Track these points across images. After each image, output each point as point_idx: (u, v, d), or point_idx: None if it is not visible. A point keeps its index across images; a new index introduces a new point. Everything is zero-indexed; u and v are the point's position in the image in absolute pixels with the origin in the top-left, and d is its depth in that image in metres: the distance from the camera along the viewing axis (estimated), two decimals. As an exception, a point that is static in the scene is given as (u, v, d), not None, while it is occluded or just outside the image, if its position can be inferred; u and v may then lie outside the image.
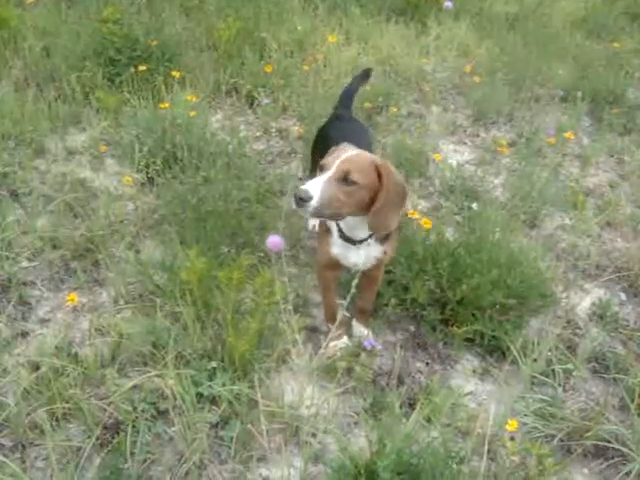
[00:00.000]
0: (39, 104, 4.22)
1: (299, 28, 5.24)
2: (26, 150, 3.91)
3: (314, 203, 2.21)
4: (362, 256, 2.56)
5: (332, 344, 2.71)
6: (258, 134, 4.35)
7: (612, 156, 4.52)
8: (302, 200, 2.21)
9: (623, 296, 3.32)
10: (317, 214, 2.28)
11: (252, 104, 4.63)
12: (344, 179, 2.27)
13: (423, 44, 5.44)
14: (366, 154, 2.40)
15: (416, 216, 3.07)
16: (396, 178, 2.35)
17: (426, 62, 5.20)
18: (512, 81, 5.10)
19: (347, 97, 3.41)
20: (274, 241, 2.24)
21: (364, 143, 3.13)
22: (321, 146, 3.21)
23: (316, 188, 2.22)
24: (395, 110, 4.45)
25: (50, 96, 4.30)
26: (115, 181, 3.75)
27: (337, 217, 2.36)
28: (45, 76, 4.58)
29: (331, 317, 2.75)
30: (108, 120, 4.19)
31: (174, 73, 4.19)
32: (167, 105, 3.86)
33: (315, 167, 3.26)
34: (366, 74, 3.57)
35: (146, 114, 3.96)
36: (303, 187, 2.23)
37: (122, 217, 3.45)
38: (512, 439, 2.13)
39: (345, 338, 2.79)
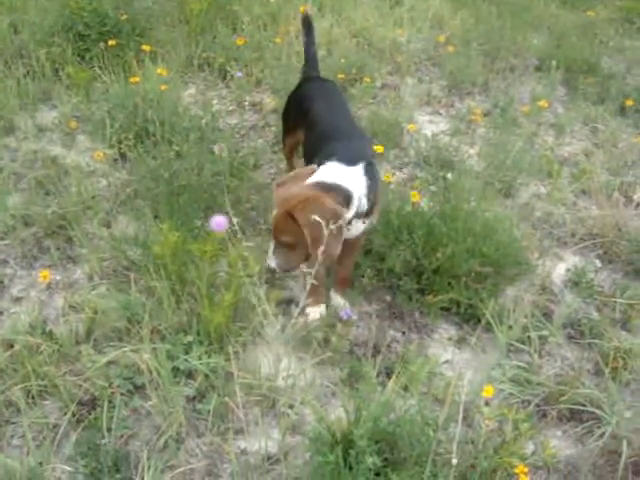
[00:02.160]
0: (7, 81, 4.14)
1: (272, 0, 5.18)
2: (-5, 128, 3.85)
3: (279, 270, 2.53)
4: (351, 233, 2.61)
5: (310, 310, 2.73)
6: (231, 108, 4.31)
7: (586, 125, 4.53)
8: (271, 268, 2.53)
9: (598, 263, 3.35)
10: (288, 272, 2.60)
11: (225, 78, 4.59)
12: (280, 244, 2.47)
13: (397, 15, 5.41)
14: (288, 201, 2.42)
15: (391, 181, 3.07)
16: (310, 216, 2.31)
17: (400, 33, 5.17)
18: (487, 51, 5.10)
19: (310, 58, 3.42)
20: (218, 221, 2.24)
21: (337, 101, 3.13)
22: (294, 111, 3.21)
23: (271, 260, 2.50)
24: (369, 81, 4.42)
25: (19, 73, 4.22)
26: (87, 157, 3.70)
27: (304, 262, 2.50)
28: (13, 52, 4.49)
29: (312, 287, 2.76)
30: (79, 96, 4.13)
31: (145, 47, 4.13)
32: (138, 79, 3.80)
33: (287, 133, 3.26)
34: (307, 22, 3.46)
35: (117, 89, 3.90)
36: (267, 261, 2.53)
37: (94, 193, 3.41)
38: (487, 404, 2.14)
39: (323, 307, 2.79)
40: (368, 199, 2.55)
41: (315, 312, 2.76)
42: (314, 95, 3.16)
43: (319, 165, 2.57)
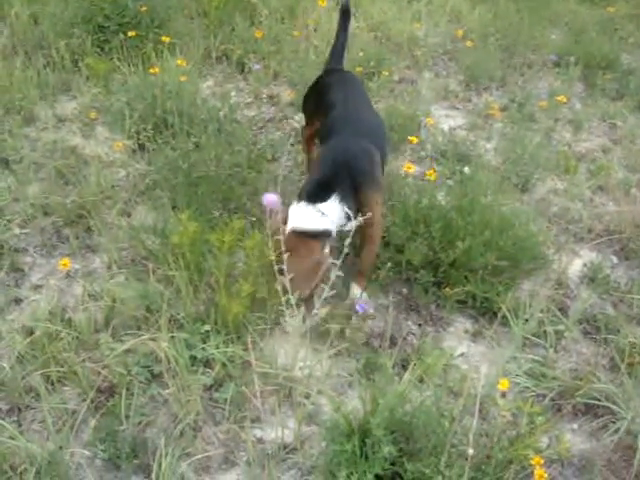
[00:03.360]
0: (28, 72, 4.18)
1: (290, -7, 5.19)
2: (16, 118, 3.88)
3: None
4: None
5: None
6: (249, 100, 4.33)
7: (604, 121, 4.51)
8: None
9: (614, 259, 3.34)
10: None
11: (243, 70, 4.61)
12: None
13: (415, 9, 5.40)
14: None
15: (411, 170, 3.09)
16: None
17: (418, 28, 5.17)
18: (505, 46, 5.09)
19: (337, 51, 3.43)
20: (270, 198, 2.23)
21: (362, 90, 3.15)
22: (312, 101, 3.23)
23: None
24: (387, 75, 4.42)
25: (39, 64, 4.27)
26: (106, 148, 3.73)
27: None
28: (33, 44, 4.54)
29: None
30: (98, 87, 4.16)
31: (164, 38, 4.15)
32: (157, 70, 3.83)
33: (305, 124, 3.28)
34: (346, 13, 3.42)
35: (136, 80, 3.93)
36: None
37: (113, 183, 3.44)
38: (504, 395, 2.15)
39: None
40: (349, 218, 2.56)
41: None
42: (331, 86, 3.18)
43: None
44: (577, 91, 4.78)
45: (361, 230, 2.37)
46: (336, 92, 3.10)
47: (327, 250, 2.41)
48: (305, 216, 2.58)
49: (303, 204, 2.60)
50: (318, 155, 2.89)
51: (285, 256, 2.27)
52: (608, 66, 4.97)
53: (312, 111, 3.27)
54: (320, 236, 2.52)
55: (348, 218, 2.54)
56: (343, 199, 2.61)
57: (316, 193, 2.62)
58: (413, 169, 3.11)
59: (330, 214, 2.59)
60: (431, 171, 3.05)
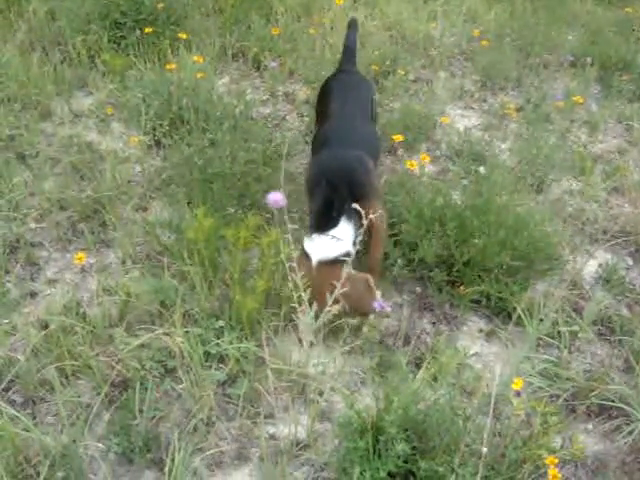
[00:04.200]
0: (44, 67, 4.20)
1: (306, -9, 5.19)
2: (32, 113, 3.90)
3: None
4: None
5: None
6: (265, 98, 4.33)
7: (621, 122, 4.48)
8: None
9: (630, 261, 3.32)
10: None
11: (259, 68, 4.62)
12: None
13: (431, 9, 5.38)
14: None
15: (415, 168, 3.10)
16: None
17: (434, 27, 5.15)
18: (521, 47, 5.07)
19: (349, 51, 3.49)
20: (275, 197, 2.23)
21: (363, 96, 3.16)
22: (323, 99, 3.25)
23: None
24: (402, 74, 4.41)
25: (55, 59, 4.29)
26: (122, 143, 3.75)
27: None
28: (50, 39, 4.57)
29: None
30: (114, 83, 4.17)
31: (180, 35, 4.16)
32: (174, 66, 3.84)
33: (318, 120, 3.29)
34: (354, 26, 3.62)
35: (152, 77, 3.94)
36: None
37: (129, 179, 3.46)
38: (518, 395, 2.14)
39: None
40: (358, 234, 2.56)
41: None
42: (332, 92, 3.24)
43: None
44: (593, 92, 4.75)
45: (367, 230, 2.38)
46: (335, 99, 3.16)
47: (349, 268, 2.43)
48: (323, 247, 2.62)
49: (316, 236, 2.65)
50: (311, 174, 2.91)
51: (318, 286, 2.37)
52: (625, 67, 4.94)
53: (318, 112, 3.34)
54: (343, 260, 2.54)
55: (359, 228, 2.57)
56: (350, 217, 2.66)
57: (325, 222, 2.67)
58: (415, 167, 3.12)
59: (344, 237, 2.64)
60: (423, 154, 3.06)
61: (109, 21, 4.45)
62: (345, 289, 2.31)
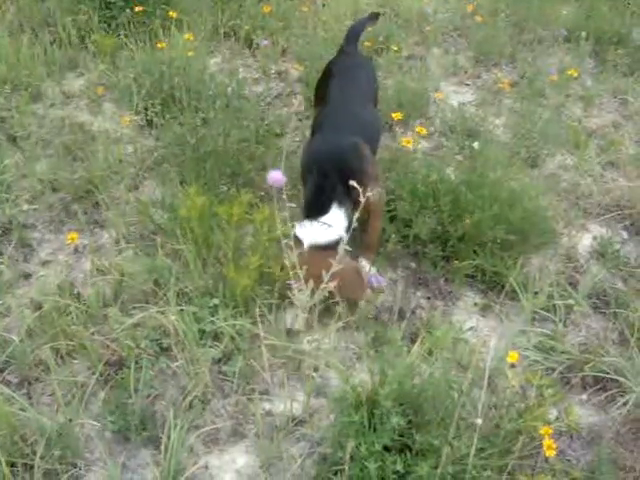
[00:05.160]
0: (34, 49, 4.17)
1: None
2: (23, 95, 3.87)
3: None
4: None
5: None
6: (257, 76, 4.31)
7: (615, 97, 4.45)
8: None
9: (625, 234, 3.31)
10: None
11: (251, 46, 4.59)
12: None
13: (424, -15, 5.34)
14: None
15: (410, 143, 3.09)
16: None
17: (427, 3, 5.11)
18: (514, 22, 5.03)
19: (352, 34, 3.44)
20: (275, 176, 2.21)
21: (364, 78, 3.13)
22: (322, 83, 3.22)
23: None
24: (396, 50, 4.38)
25: (45, 40, 4.26)
26: (114, 124, 3.73)
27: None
28: (40, 20, 4.54)
29: None
30: (105, 63, 4.14)
31: (171, 14, 4.13)
32: (164, 45, 3.81)
33: (317, 102, 3.26)
34: (375, 16, 3.66)
35: (143, 57, 3.92)
36: None
37: (121, 159, 3.43)
38: (512, 366, 2.15)
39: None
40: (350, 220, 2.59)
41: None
42: (333, 73, 3.20)
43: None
44: (588, 67, 4.73)
45: (364, 207, 2.36)
46: (333, 84, 3.11)
47: (342, 252, 2.42)
48: (314, 233, 2.61)
49: (308, 222, 2.64)
50: (303, 160, 2.90)
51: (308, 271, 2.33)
52: (619, 41, 4.90)
53: (317, 94, 3.30)
54: (335, 245, 2.52)
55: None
56: (341, 204, 2.65)
57: (316, 208, 2.66)
58: (410, 143, 3.11)
59: (335, 224, 2.63)
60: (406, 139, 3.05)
61: (99, 1, 4.41)
62: (336, 276, 2.30)
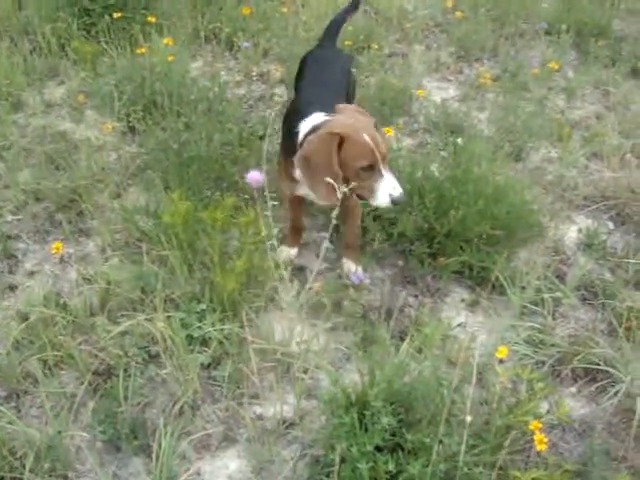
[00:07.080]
0: (14, 58, 4.15)
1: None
2: (3, 104, 3.84)
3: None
4: None
5: (282, 248, 2.84)
6: (239, 79, 4.29)
7: (598, 88, 4.47)
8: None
9: (611, 225, 3.32)
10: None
11: (232, 49, 4.57)
12: None
13: (403, -18, 5.33)
14: None
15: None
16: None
17: (407, 0, 5.11)
18: (495, 16, 5.05)
19: (332, 28, 3.42)
20: (254, 176, 2.21)
21: (338, 71, 3.10)
22: (300, 73, 3.20)
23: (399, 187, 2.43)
24: (377, 48, 4.38)
25: (25, 49, 4.24)
26: (96, 131, 3.71)
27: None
28: (18, 29, 4.51)
29: (293, 230, 2.94)
30: (86, 71, 4.12)
31: (151, 19, 4.11)
32: (144, 50, 3.79)
33: (297, 92, 3.23)
34: (354, 5, 3.56)
35: (124, 63, 3.90)
36: (399, 193, 2.41)
37: (104, 166, 3.42)
38: (501, 362, 2.14)
39: (295, 250, 2.93)
40: None
41: (285, 252, 2.89)
42: (307, 65, 3.17)
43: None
44: (570, 59, 4.74)
45: (342, 204, 2.34)
46: (307, 75, 3.09)
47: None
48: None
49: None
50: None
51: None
52: (600, 33, 4.93)
53: (298, 84, 3.24)
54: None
55: None
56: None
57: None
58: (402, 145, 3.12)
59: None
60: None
61: (78, 8, 4.39)
62: None
